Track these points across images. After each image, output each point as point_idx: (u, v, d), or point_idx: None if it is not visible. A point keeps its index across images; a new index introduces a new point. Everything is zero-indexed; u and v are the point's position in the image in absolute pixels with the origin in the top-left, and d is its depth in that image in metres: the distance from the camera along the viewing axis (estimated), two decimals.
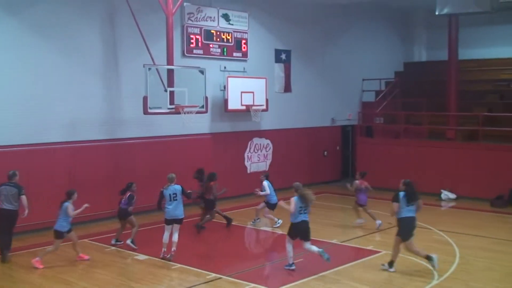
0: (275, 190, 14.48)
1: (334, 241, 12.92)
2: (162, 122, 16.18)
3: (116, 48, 15.51)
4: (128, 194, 12.24)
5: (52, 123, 14.25)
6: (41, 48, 14.05)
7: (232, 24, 18.12)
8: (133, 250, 12.19)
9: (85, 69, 14.86)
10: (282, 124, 20.17)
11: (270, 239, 13.89)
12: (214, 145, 17.83)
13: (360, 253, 12.14)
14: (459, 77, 20.12)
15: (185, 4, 16.65)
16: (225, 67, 18.01)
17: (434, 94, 21.87)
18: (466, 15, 19.28)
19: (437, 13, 19.08)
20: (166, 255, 11.55)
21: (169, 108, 14.58)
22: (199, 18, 17.21)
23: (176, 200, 11.64)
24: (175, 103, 14.66)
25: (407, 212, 10.64)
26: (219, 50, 17.75)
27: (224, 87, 17.77)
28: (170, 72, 14.68)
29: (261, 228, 14.45)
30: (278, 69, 19.97)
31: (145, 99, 14.10)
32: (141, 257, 11.81)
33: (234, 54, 18.23)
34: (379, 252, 11.99)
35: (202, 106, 15.38)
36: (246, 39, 18.54)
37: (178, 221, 11.79)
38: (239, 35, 18.32)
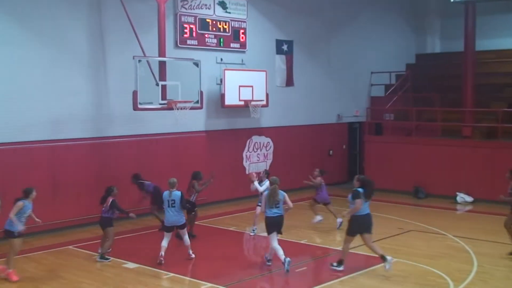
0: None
1: (340, 248, 12.86)
2: (153, 119, 16.14)
3: (104, 38, 15.46)
4: (110, 200, 12.06)
5: (33, 120, 14.19)
6: (21, 39, 13.98)
7: (230, 13, 18.08)
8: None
9: (69, 61, 14.81)
10: (284, 121, 20.15)
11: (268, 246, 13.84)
12: (210, 143, 17.80)
13: (369, 261, 12.09)
14: (476, 70, 20.09)
15: None
16: (221, 59, 17.97)
17: (448, 88, 21.86)
18: (484, 2, 19.30)
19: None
20: (162, 260, 11.70)
21: (160, 104, 14.54)
22: (194, 6, 17.17)
23: (175, 207, 11.84)
24: (168, 98, 14.62)
25: (364, 209, 11.09)
26: (215, 41, 17.71)
27: (221, 81, 17.74)
28: (162, 65, 14.64)
29: (260, 234, 14.40)
30: (279, 61, 19.93)
31: (134, 94, 14.06)
32: (131, 265, 11.77)
33: (232, 45, 18.19)
34: None
35: (197, 102, 15.35)
36: (244, 29, 18.49)
37: (180, 226, 12.04)
38: (237, 24, 18.28)
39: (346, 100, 22.25)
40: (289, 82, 20.23)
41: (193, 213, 13.63)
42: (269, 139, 19.77)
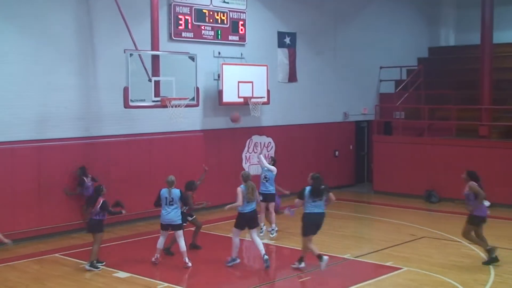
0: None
1: (347, 255, 12.95)
2: (145, 117, 16.19)
3: (92, 30, 15.51)
4: (100, 201, 12.11)
5: (16, 118, 14.22)
6: (3, 30, 14.02)
7: (228, 3, 18.14)
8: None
9: (54, 55, 14.85)
10: (286, 120, 20.21)
11: (271, 253, 13.91)
12: (207, 144, 17.85)
13: (378, 270, 12.16)
14: (494, 64, 20.12)
15: None
16: (219, 53, 18.04)
17: (463, 84, 21.90)
18: None
19: None
20: (157, 261, 12.13)
21: (154, 101, 14.59)
22: None
23: (172, 205, 12.12)
24: (161, 95, 14.68)
25: (313, 207, 11.67)
26: (212, 33, 17.77)
27: (218, 76, 17.80)
28: (155, 59, 14.69)
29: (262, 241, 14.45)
30: (282, 55, 19.99)
31: (126, 90, 14.11)
32: (122, 274, 11.81)
33: (230, 37, 18.25)
34: (400, 268, 12.00)
35: (193, 99, 15.40)
36: (244, 20, 18.56)
37: (175, 227, 12.23)
38: (235, 16, 18.35)
39: (353, 97, 22.31)
40: (292, 77, 20.28)
41: (184, 224, 13.46)
42: (270, 139, 19.82)
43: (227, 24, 18.10)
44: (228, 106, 18.05)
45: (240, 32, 18.46)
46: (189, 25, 17.23)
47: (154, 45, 14.74)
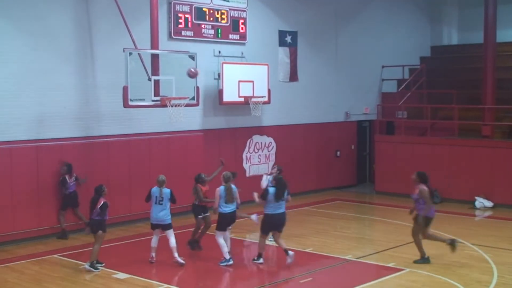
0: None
1: (348, 257, 12.97)
2: (145, 116, 16.22)
3: (91, 29, 15.53)
4: (101, 202, 12.15)
5: (15, 118, 14.25)
6: (2, 31, 14.04)
7: (228, 1, 18.15)
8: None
9: (53, 54, 14.87)
10: (287, 119, 20.23)
11: (273, 254, 13.94)
12: (207, 144, 17.86)
13: (380, 271, 12.19)
14: (497, 63, 20.14)
15: None
16: (219, 52, 18.06)
17: (466, 84, 21.91)
18: None
19: None
20: (153, 260, 12.44)
21: (153, 100, 14.61)
22: None
23: (162, 204, 12.36)
24: (161, 94, 14.69)
25: (276, 208, 12.18)
26: (212, 32, 17.79)
27: (219, 76, 17.82)
28: (155, 58, 14.71)
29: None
30: (283, 54, 20.01)
31: (125, 89, 14.13)
32: (121, 275, 11.83)
33: (231, 36, 18.27)
34: (402, 270, 12.03)
35: (193, 98, 15.42)
36: (244, 19, 18.58)
37: (165, 226, 12.45)
38: (236, 14, 18.37)
39: (355, 97, 22.33)
40: (293, 77, 20.30)
41: (199, 217, 13.57)
42: (271, 139, 19.84)
43: (227, 22, 18.11)
44: (229, 106, 18.09)
45: (241, 30, 18.48)
46: (189, 23, 17.25)
47: (154, 44, 14.76)
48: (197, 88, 15.60)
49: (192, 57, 15.55)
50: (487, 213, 17.98)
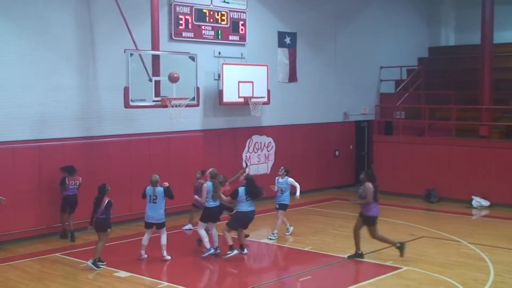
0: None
1: (346, 255, 12.98)
2: (146, 117, 16.24)
3: (93, 30, 15.55)
4: (106, 200, 12.20)
5: (17, 118, 14.27)
6: (4, 31, 14.06)
7: (228, 3, 18.17)
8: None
9: (54, 55, 14.89)
10: (286, 120, 20.25)
11: (272, 253, 13.96)
12: (207, 144, 17.88)
13: (378, 269, 12.20)
14: (494, 64, 20.15)
15: None
16: (219, 53, 18.07)
17: (464, 84, 21.93)
18: None
19: None
20: (141, 257, 12.68)
21: (154, 101, 14.63)
22: None
23: (156, 203, 12.53)
24: (162, 94, 14.71)
25: (247, 206, 12.78)
26: (212, 33, 17.81)
27: (219, 76, 17.84)
28: (156, 59, 14.73)
29: (261, 241, 14.51)
30: (282, 55, 20.03)
31: (126, 90, 14.15)
32: (122, 274, 11.85)
33: (230, 37, 18.29)
34: (400, 268, 12.05)
35: (193, 99, 15.43)
36: (244, 20, 18.59)
37: (159, 225, 12.66)
38: (236, 15, 18.39)
39: (354, 97, 22.35)
40: (292, 77, 20.32)
41: (229, 213, 13.73)
42: (270, 139, 19.86)
43: (227, 24, 18.13)
44: (228, 106, 18.11)
45: (241, 32, 18.50)
46: (190, 25, 17.26)
47: (155, 45, 14.78)
48: (197, 88, 15.63)
49: (193, 58, 15.57)
50: (484, 212, 18.00)
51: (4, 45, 14.07)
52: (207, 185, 12.82)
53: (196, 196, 13.70)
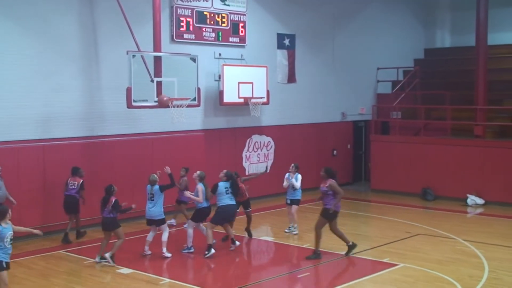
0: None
1: (344, 252, 13.01)
2: (148, 117, 16.26)
3: (96, 32, 15.58)
4: (113, 200, 12.25)
5: (21, 118, 14.28)
6: (8, 32, 14.08)
7: (228, 5, 18.20)
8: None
9: (58, 56, 14.90)
10: (286, 120, 20.28)
11: (271, 250, 13.99)
12: (208, 143, 17.92)
13: (375, 266, 12.25)
14: (488, 65, 20.19)
15: None
16: (220, 54, 18.11)
17: (459, 85, 21.96)
18: None
19: None
20: (143, 253, 12.81)
21: (156, 101, 14.65)
22: None
23: (153, 200, 12.68)
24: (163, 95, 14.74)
25: (228, 200, 12.97)
26: (213, 35, 17.84)
27: (219, 77, 17.87)
28: (157, 60, 14.76)
29: (261, 238, 14.55)
30: (281, 56, 20.06)
31: (128, 90, 14.18)
32: (125, 270, 11.88)
33: (231, 39, 18.32)
34: (396, 265, 12.09)
35: (194, 99, 15.46)
36: (244, 22, 18.62)
37: (158, 222, 12.76)
38: (236, 17, 18.42)
39: (351, 98, 22.38)
40: (291, 78, 20.36)
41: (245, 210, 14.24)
42: (270, 139, 19.90)
43: (227, 26, 18.16)
44: (229, 106, 18.14)
45: (241, 33, 18.53)
46: (191, 27, 17.29)
47: (156, 47, 14.80)
48: (198, 89, 15.66)
49: (194, 59, 15.60)
50: (479, 210, 18.03)
51: (7, 46, 14.07)
52: (201, 186, 12.86)
53: (188, 193, 13.54)
